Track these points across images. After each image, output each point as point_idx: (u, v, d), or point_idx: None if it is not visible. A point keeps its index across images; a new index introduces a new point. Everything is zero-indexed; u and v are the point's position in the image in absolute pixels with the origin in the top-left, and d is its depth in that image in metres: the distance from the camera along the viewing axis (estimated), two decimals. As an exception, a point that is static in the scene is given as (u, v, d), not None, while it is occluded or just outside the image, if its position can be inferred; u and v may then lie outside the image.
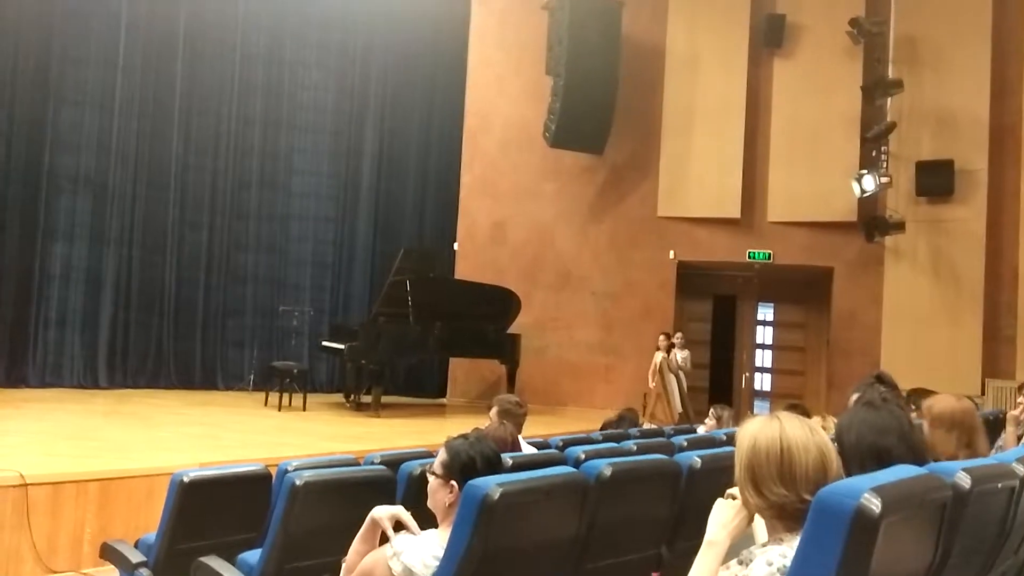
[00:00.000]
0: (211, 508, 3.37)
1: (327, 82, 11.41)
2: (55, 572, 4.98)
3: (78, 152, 9.79)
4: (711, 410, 6.04)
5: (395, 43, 11.49)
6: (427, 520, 2.51)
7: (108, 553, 3.60)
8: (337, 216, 11.44)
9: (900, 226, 9.96)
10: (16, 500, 4.90)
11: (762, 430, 1.69)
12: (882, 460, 1.93)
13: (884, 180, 9.62)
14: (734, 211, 10.62)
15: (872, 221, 10.14)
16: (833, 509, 1.45)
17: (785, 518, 1.64)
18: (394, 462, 3.39)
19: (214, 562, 3.04)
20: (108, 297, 9.93)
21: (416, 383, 11.27)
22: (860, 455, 2.01)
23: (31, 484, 4.95)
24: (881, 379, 3.36)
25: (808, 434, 1.66)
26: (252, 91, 10.94)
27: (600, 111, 10.37)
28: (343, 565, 2.46)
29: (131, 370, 10.02)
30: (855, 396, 3.25)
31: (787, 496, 1.62)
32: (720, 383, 11.34)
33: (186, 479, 3.32)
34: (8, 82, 9.22)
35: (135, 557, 3.41)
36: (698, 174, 10.76)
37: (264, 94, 11.02)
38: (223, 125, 10.75)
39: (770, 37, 10.64)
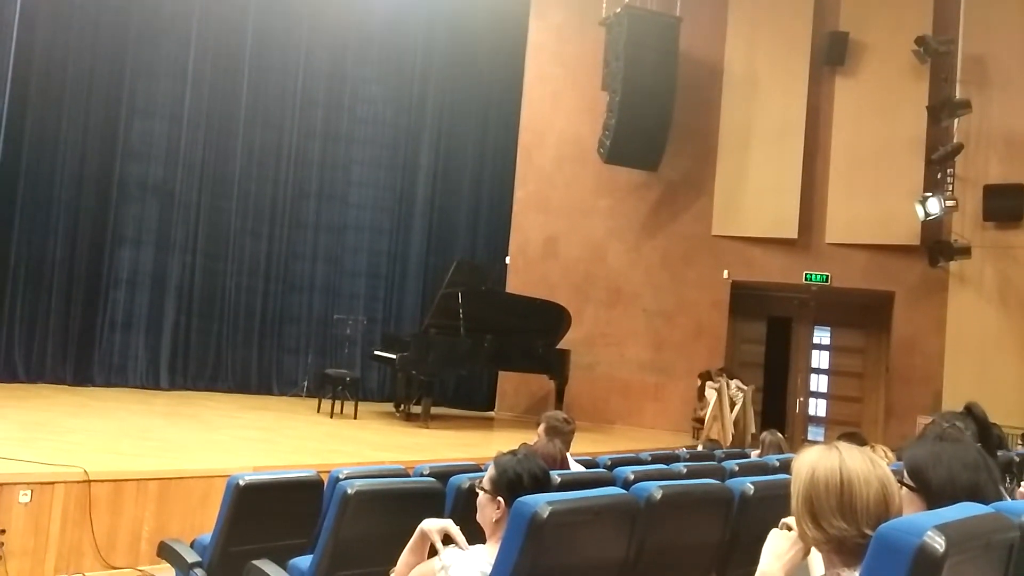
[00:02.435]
0: (264, 512, 3.41)
1: (386, 96, 11.63)
2: (114, 568, 5.13)
3: (147, 162, 10.17)
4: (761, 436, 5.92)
5: (452, 58, 11.66)
6: (476, 535, 2.51)
7: (165, 552, 3.69)
8: (392, 228, 11.61)
9: (966, 251, 9.64)
10: (79, 496, 5.06)
11: (821, 460, 1.64)
12: (976, 498, 1.80)
13: (950, 203, 9.35)
14: (791, 231, 10.43)
15: (936, 245, 9.84)
16: (895, 546, 1.41)
17: (844, 552, 1.59)
18: (443, 475, 3.41)
19: (267, 566, 3.08)
20: (171, 302, 10.25)
21: (465, 395, 11.33)
22: (954, 493, 1.85)
23: (94, 481, 5.11)
24: (971, 411, 3.15)
25: (869, 466, 1.62)
26: (313, 105, 11.21)
27: (656, 128, 10.32)
28: (396, 570, 2.48)
29: (191, 373, 10.30)
30: (924, 424, 3.09)
31: (847, 530, 1.57)
32: (773, 407, 11.10)
33: (242, 482, 3.37)
34: (84, 95, 9.64)
35: (191, 557, 3.48)
36: (755, 193, 10.61)
37: (325, 108, 11.28)
38: (285, 137, 11.04)
39: (832, 55, 10.45)
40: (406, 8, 11.47)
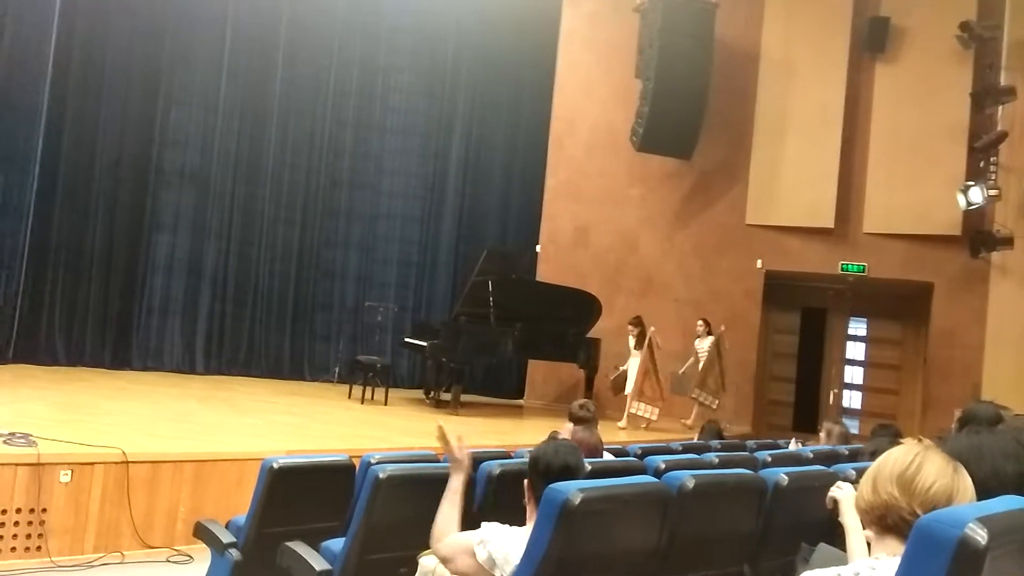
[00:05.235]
0: (298, 495, 3.46)
1: (417, 85, 11.63)
2: (151, 547, 5.23)
3: (184, 150, 10.31)
4: (824, 424, 5.86)
5: (484, 46, 11.62)
6: (508, 520, 2.54)
7: (201, 532, 3.75)
8: (423, 216, 11.65)
9: (1008, 242, 9.40)
10: (118, 476, 5.17)
11: (907, 445, 1.67)
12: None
13: (992, 192, 9.12)
14: (828, 221, 10.26)
15: (978, 236, 9.61)
16: (935, 538, 1.37)
17: (885, 526, 1.60)
18: (474, 461, 3.42)
19: (300, 548, 3.12)
20: (207, 288, 10.40)
21: (495, 383, 11.35)
22: (1001, 485, 1.83)
23: (132, 462, 5.21)
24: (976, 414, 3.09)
25: (950, 470, 1.61)
26: (346, 94, 11.26)
27: (690, 115, 10.19)
28: (433, 529, 2.54)
29: (225, 358, 10.47)
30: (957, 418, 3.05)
31: (897, 500, 1.58)
32: (806, 398, 10.96)
33: (275, 465, 3.42)
34: (122, 85, 9.79)
35: (226, 538, 3.53)
36: (791, 181, 10.44)
37: (357, 97, 11.33)
38: (317, 126, 11.12)
39: (872, 41, 10.22)
40: (438, -4, 11.46)
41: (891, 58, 10.24)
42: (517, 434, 8.60)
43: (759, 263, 10.64)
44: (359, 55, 11.30)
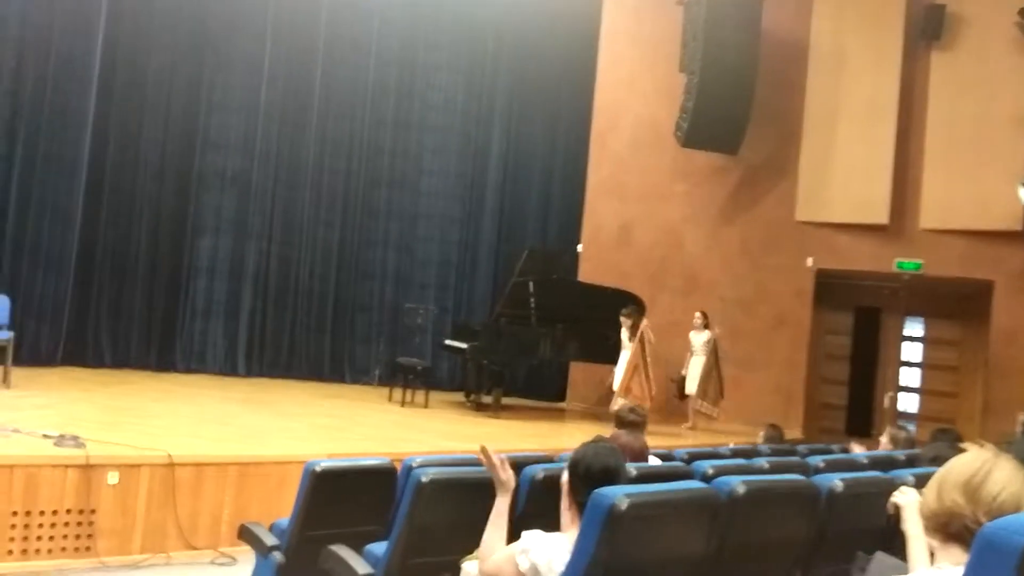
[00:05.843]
0: (340, 498, 3.46)
1: (456, 83, 11.58)
2: (195, 548, 5.25)
3: (225, 153, 10.41)
4: (888, 430, 5.65)
5: (524, 43, 11.53)
6: (551, 526, 2.48)
7: (245, 534, 3.76)
8: (463, 216, 11.59)
9: (1074, 236, 8.98)
10: (164, 478, 5.20)
11: (977, 451, 1.64)
12: None
13: (1057, 185, 8.71)
14: (882, 217, 9.91)
15: (1041, 230, 9.19)
16: (1000, 546, 1.30)
17: (949, 535, 1.55)
18: (516, 465, 3.33)
19: (343, 551, 3.11)
20: (248, 290, 10.48)
21: (536, 385, 11.23)
22: None
23: (177, 464, 5.24)
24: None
25: (1020, 478, 1.55)
26: (385, 93, 11.26)
27: (736, 110, 9.93)
28: (479, 551, 2.51)
29: (267, 360, 10.53)
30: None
31: (961, 508, 1.53)
32: (860, 402, 10.61)
33: (318, 468, 3.42)
34: (165, 91, 9.94)
35: (269, 540, 3.55)
36: (842, 176, 10.11)
37: (396, 96, 11.32)
38: (357, 126, 11.13)
39: (928, 29, 9.86)
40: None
41: (947, 46, 9.86)
42: (559, 437, 8.47)
43: (809, 261, 10.33)
44: (397, 54, 11.30)
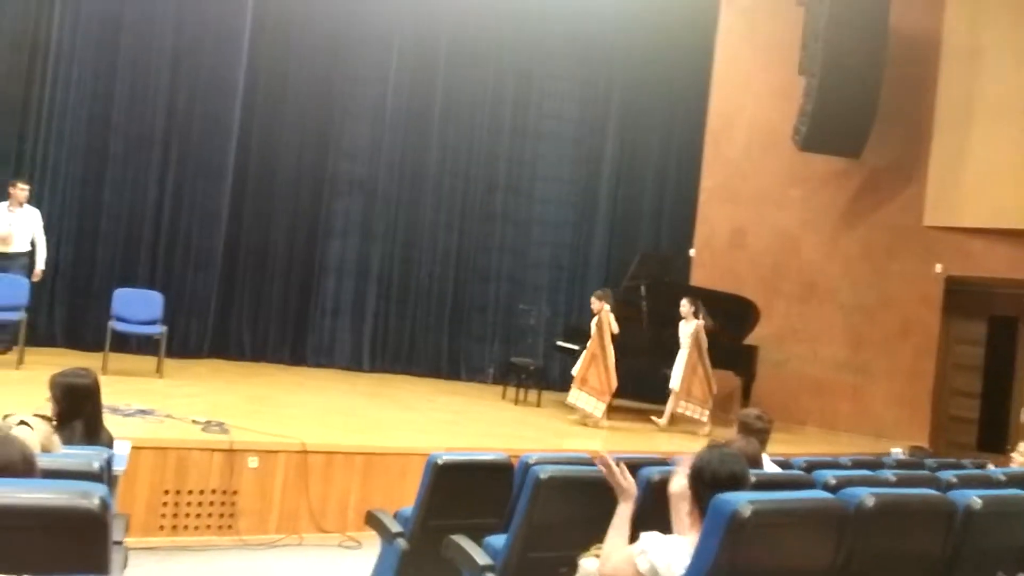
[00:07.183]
0: (460, 490, 3.62)
1: (571, 91, 11.73)
2: (325, 532, 5.65)
3: (354, 160, 10.99)
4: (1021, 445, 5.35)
5: (638, 48, 11.52)
6: (666, 528, 2.54)
7: (372, 520, 4.02)
8: (575, 221, 11.74)
9: None
10: (298, 464, 5.63)
11: None
12: None
13: None
14: (1020, 221, 9.29)
15: None
16: None
17: None
18: (632, 466, 3.41)
19: (464, 542, 3.27)
20: (373, 290, 11.03)
21: (646, 388, 11.19)
22: None
23: (310, 452, 5.66)
24: None
25: None
26: (503, 102, 11.56)
27: (859, 111, 9.56)
28: (601, 556, 2.54)
29: (389, 356, 11.05)
30: None
31: None
32: (993, 415, 9.97)
33: (440, 461, 3.61)
34: (302, 102, 10.61)
35: (394, 527, 3.76)
36: (976, 179, 9.54)
37: (513, 104, 11.59)
38: (475, 135, 11.49)
39: (1076, 21, 9.16)
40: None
41: (1098, 39, 9.13)
42: (668, 441, 8.46)
43: (938, 267, 9.82)
44: (514, 64, 11.56)
